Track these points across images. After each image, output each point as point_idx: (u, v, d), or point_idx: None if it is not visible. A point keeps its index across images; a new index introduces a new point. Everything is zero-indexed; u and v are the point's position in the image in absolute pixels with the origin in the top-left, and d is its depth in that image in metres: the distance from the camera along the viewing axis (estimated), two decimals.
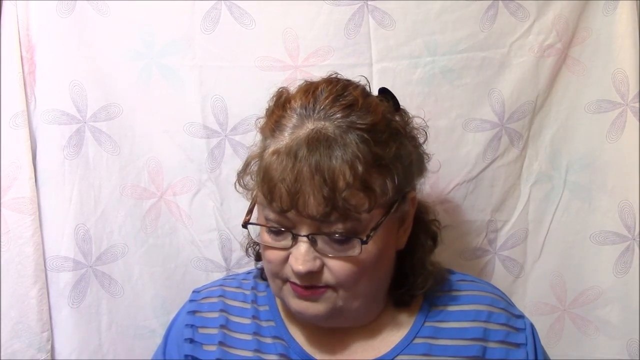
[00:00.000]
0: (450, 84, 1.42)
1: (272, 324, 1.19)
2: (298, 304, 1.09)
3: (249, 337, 1.18)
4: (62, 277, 1.42)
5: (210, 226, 1.48)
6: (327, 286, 1.06)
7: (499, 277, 1.50)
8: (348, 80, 1.12)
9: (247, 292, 1.24)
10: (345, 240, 1.03)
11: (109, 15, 1.41)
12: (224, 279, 1.30)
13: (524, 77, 1.43)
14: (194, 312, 1.23)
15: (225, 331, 1.19)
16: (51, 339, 1.42)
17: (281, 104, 1.09)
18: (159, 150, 1.46)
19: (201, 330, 1.21)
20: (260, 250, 1.19)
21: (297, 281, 1.06)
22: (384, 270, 1.13)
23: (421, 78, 1.42)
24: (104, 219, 1.45)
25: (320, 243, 1.03)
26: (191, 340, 1.21)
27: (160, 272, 1.49)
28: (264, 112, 1.12)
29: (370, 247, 1.04)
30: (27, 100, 1.39)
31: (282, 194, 1.00)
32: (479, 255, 1.50)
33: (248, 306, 1.22)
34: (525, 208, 1.49)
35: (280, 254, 1.06)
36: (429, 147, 1.40)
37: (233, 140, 1.43)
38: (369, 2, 1.39)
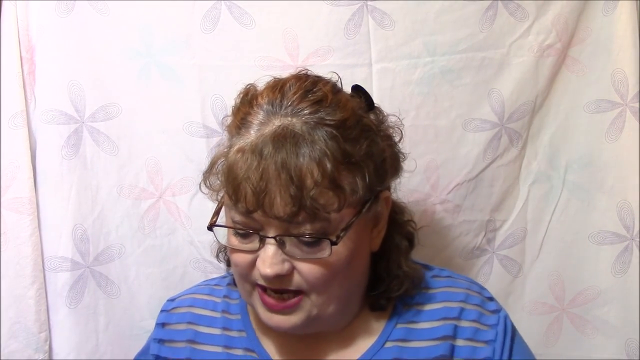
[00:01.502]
0: (450, 84, 1.42)
1: (243, 334, 1.17)
2: (269, 318, 1.05)
3: (218, 349, 1.16)
4: (60, 277, 1.42)
5: None
6: (299, 291, 1.02)
7: (498, 277, 1.50)
8: (318, 77, 1.08)
9: (218, 300, 1.21)
10: (314, 242, 0.99)
11: (108, 15, 1.41)
12: (198, 286, 1.28)
13: (524, 77, 1.43)
14: (162, 324, 1.22)
15: (193, 345, 1.17)
16: (49, 340, 1.42)
17: (247, 100, 1.05)
18: (158, 150, 1.45)
19: (168, 345, 1.19)
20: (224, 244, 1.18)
21: (265, 284, 1.02)
22: (357, 272, 1.09)
23: (421, 78, 1.41)
24: (101, 219, 1.45)
25: (288, 245, 0.99)
26: (157, 357, 1.20)
27: (158, 272, 1.49)
28: (231, 109, 1.09)
29: (341, 249, 1.00)
30: (26, 100, 1.39)
31: (247, 194, 0.96)
32: (477, 254, 1.50)
33: (218, 315, 1.19)
34: (524, 208, 1.49)
35: (248, 257, 1.02)
36: (429, 148, 1.42)
37: None
38: (369, 3, 1.39)
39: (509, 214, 1.50)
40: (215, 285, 1.25)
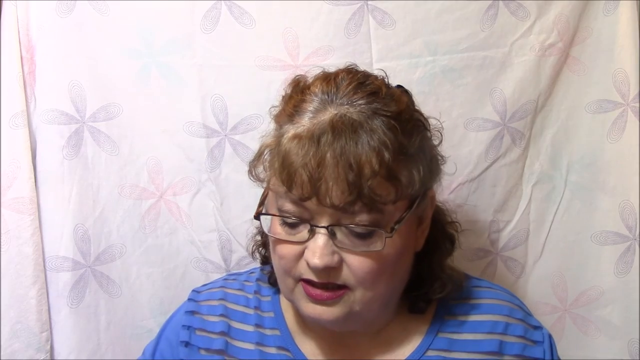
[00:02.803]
0: (451, 84, 1.42)
1: (277, 332, 1.15)
2: (312, 309, 1.02)
3: (251, 347, 1.15)
4: (61, 277, 1.42)
5: (210, 226, 1.48)
6: (344, 286, 1.00)
7: (501, 278, 1.50)
8: (367, 71, 1.08)
9: (250, 296, 1.20)
10: (367, 234, 0.97)
11: (108, 15, 1.40)
12: (225, 280, 1.26)
13: (526, 77, 1.42)
14: (192, 312, 1.20)
15: (227, 339, 1.16)
16: (50, 339, 1.42)
17: (300, 89, 1.04)
18: (158, 149, 1.45)
19: (199, 333, 1.18)
20: (267, 254, 1.16)
21: (312, 278, 0.99)
22: (402, 271, 1.07)
23: (422, 78, 1.41)
24: (102, 219, 1.45)
25: (340, 236, 0.98)
26: (187, 344, 1.18)
27: (159, 272, 1.49)
28: (280, 99, 1.08)
29: (393, 243, 0.99)
30: (26, 100, 1.39)
31: (303, 181, 0.94)
32: (481, 255, 1.49)
33: (251, 312, 1.18)
34: (527, 208, 1.48)
35: (295, 249, 1.00)
36: None
37: (233, 139, 1.43)
38: (369, 2, 1.39)
39: (513, 215, 1.49)
40: (244, 280, 1.23)
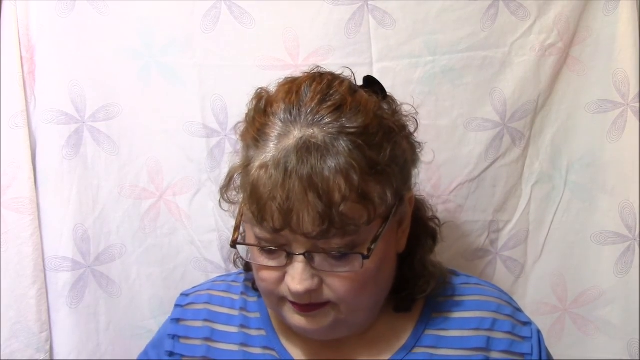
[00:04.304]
0: (451, 84, 1.41)
1: (262, 333, 1.15)
2: (298, 320, 1.03)
3: (235, 348, 1.15)
4: (60, 277, 1.42)
5: (210, 227, 1.47)
6: (328, 302, 1.01)
7: (501, 278, 1.50)
8: (332, 75, 1.05)
9: (236, 297, 1.20)
10: (344, 255, 0.97)
11: (108, 15, 1.41)
12: (213, 282, 1.26)
13: (526, 77, 1.42)
14: (177, 320, 1.20)
15: (209, 344, 1.16)
16: (50, 340, 1.42)
17: (262, 109, 1.02)
18: (158, 149, 1.45)
19: (183, 341, 1.18)
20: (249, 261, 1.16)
21: (295, 300, 1.00)
22: (385, 278, 1.07)
23: (422, 77, 1.41)
24: (102, 219, 1.45)
25: (317, 260, 0.97)
26: (171, 354, 1.18)
27: (159, 272, 1.49)
28: (244, 116, 1.07)
29: (372, 257, 0.98)
30: (26, 100, 1.39)
31: (273, 213, 0.93)
32: (480, 255, 1.49)
33: (235, 313, 1.18)
34: (527, 208, 1.48)
35: (275, 274, 1.00)
36: (431, 147, 1.41)
37: (233, 139, 1.42)
38: (369, 2, 1.39)
39: (512, 214, 1.49)
40: (232, 281, 1.23)
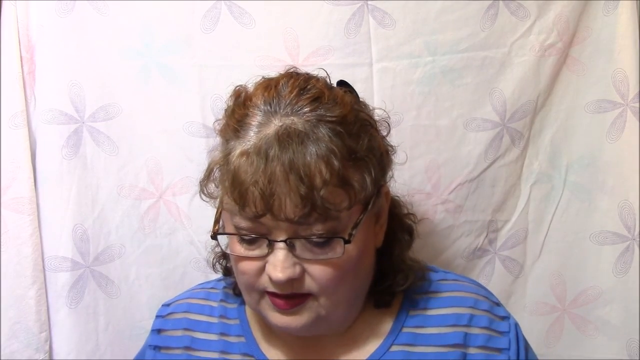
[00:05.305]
0: (451, 84, 1.42)
1: (242, 339, 1.15)
2: (279, 319, 1.03)
3: (215, 355, 1.15)
4: (60, 277, 1.42)
5: (209, 227, 1.46)
6: (309, 294, 1.01)
7: (499, 277, 1.50)
8: (308, 74, 1.07)
9: (215, 305, 1.20)
10: (325, 242, 0.97)
11: (108, 15, 1.41)
12: (192, 290, 1.27)
13: (525, 77, 1.43)
14: (158, 330, 1.21)
15: (190, 352, 1.16)
16: (49, 340, 1.42)
17: (241, 102, 1.03)
18: (158, 150, 1.45)
19: (164, 351, 1.19)
20: (229, 265, 1.16)
21: (276, 290, 0.99)
22: (365, 271, 1.07)
23: (422, 78, 1.41)
24: (102, 219, 1.45)
25: (298, 248, 0.97)
26: None
27: (158, 273, 1.49)
28: (223, 112, 1.07)
29: (352, 247, 0.99)
30: (26, 100, 1.39)
31: (255, 198, 0.93)
32: (479, 255, 1.49)
33: (215, 320, 1.18)
34: (526, 208, 1.49)
35: (255, 264, 1.00)
36: (430, 148, 1.42)
37: None
38: (369, 2, 1.39)
39: (511, 214, 1.49)
40: (210, 288, 1.24)
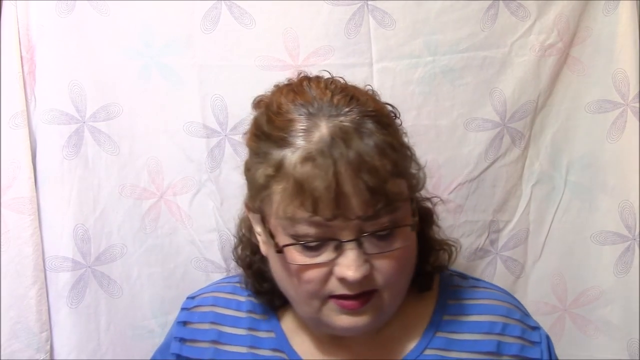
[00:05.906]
0: (451, 84, 1.42)
1: (271, 335, 1.15)
2: (346, 321, 1.00)
3: (244, 350, 1.15)
4: (61, 277, 1.41)
5: (210, 226, 1.47)
6: (374, 290, 0.99)
7: (501, 278, 1.49)
8: (318, 76, 1.07)
9: (242, 299, 1.20)
10: (388, 234, 0.96)
11: (108, 15, 1.41)
12: (219, 283, 1.27)
13: (526, 77, 1.43)
14: (184, 322, 1.21)
15: (218, 346, 1.16)
16: (50, 339, 1.42)
17: (274, 111, 1.00)
18: (158, 149, 1.45)
19: (190, 344, 1.19)
20: (247, 258, 1.16)
21: (347, 291, 0.97)
22: (415, 256, 1.06)
23: (422, 78, 1.41)
24: (103, 219, 1.45)
25: (366, 244, 0.96)
26: (178, 357, 1.19)
27: (159, 272, 1.48)
28: (251, 123, 1.06)
29: (411, 235, 0.99)
30: (26, 100, 1.38)
31: (329, 201, 0.91)
32: (481, 255, 1.49)
33: (243, 315, 1.18)
34: (527, 208, 1.49)
35: (322, 271, 0.97)
36: (431, 148, 1.43)
37: (233, 139, 1.43)
38: (369, 2, 1.39)
39: (512, 215, 1.49)
40: (237, 283, 1.22)
